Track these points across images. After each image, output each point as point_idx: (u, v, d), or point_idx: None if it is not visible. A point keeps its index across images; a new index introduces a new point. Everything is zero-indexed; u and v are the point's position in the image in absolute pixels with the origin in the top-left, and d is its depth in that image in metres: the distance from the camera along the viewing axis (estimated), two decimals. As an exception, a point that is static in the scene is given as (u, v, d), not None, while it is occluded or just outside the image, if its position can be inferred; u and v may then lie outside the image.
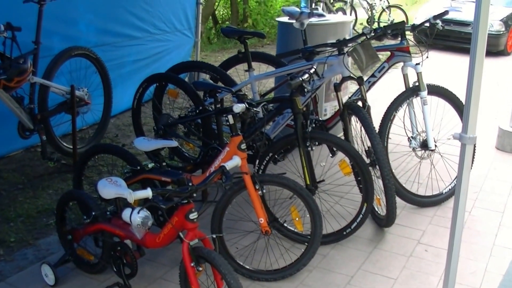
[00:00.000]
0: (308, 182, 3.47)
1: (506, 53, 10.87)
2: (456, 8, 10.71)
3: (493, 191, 4.51)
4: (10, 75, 4.09)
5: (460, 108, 4.01)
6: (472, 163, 4.11)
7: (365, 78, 3.95)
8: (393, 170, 4.08)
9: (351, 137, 3.85)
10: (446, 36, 10.29)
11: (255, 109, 3.17)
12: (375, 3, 13.14)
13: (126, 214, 2.68)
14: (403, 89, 4.12)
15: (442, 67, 9.06)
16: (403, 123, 4.14)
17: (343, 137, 3.82)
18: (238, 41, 4.52)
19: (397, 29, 4.13)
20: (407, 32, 4.18)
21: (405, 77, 4.16)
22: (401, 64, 4.14)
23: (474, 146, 3.07)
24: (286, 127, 4.12)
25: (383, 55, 4.33)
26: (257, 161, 3.66)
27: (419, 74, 4.00)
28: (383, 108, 4.07)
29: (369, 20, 13.02)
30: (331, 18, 5.51)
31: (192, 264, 2.50)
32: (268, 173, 3.68)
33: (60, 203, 3.25)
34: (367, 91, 4.13)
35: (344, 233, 3.64)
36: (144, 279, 3.20)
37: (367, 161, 3.73)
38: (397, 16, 12.64)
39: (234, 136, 3.17)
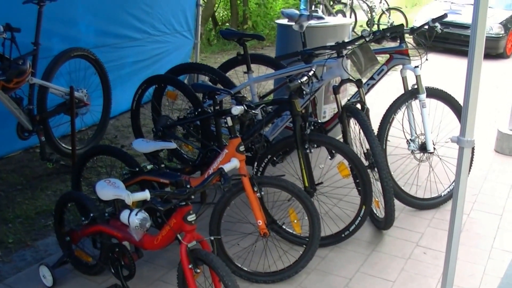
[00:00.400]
0: (307, 184, 3.48)
1: (505, 56, 10.88)
2: (456, 11, 10.76)
3: (492, 193, 4.51)
4: (9, 76, 4.09)
5: (459, 111, 4.01)
6: (471, 166, 4.13)
7: (364, 81, 3.95)
8: (392, 173, 4.08)
9: (349, 139, 3.85)
10: (446, 38, 10.30)
11: (253, 111, 3.18)
12: (374, 6, 13.15)
13: (124, 215, 2.68)
14: (402, 91, 4.12)
15: (441, 70, 9.06)
16: (402, 125, 4.14)
17: (342, 140, 3.82)
18: (237, 43, 4.53)
19: (396, 32, 4.13)
20: (406, 35, 4.19)
21: (404, 79, 4.16)
22: (400, 66, 4.15)
23: (473, 149, 3.08)
24: (285, 129, 4.13)
25: (382, 58, 4.33)
26: (256, 163, 3.67)
27: (418, 77, 4.00)
28: (382, 111, 4.07)
29: (368, 23, 13.03)
30: (331, 20, 5.51)
31: (190, 266, 2.50)
32: (266, 175, 3.68)
33: (59, 204, 3.25)
34: (366, 93, 4.13)
35: (343, 235, 3.64)
36: (142, 280, 3.20)
37: (366, 163, 3.73)
38: (396, 19, 12.66)
39: (232, 138, 3.17)
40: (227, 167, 2.82)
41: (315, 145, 3.61)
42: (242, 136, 3.31)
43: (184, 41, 7.14)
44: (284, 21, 5.07)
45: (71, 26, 5.26)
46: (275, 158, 3.79)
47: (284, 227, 3.59)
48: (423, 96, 4.01)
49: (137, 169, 3.39)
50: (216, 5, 12.81)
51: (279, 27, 5.38)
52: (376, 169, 3.63)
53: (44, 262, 3.18)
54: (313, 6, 10.86)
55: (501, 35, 10.65)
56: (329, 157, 3.80)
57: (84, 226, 3.05)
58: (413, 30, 4.26)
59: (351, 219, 3.64)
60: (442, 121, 4.50)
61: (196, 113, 4.11)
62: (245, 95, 3.37)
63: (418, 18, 11.26)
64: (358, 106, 3.84)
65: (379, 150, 3.58)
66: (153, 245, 2.81)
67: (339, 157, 3.63)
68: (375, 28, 12.66)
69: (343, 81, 3.92)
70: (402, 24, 4.33)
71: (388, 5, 13.46)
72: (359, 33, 4.03)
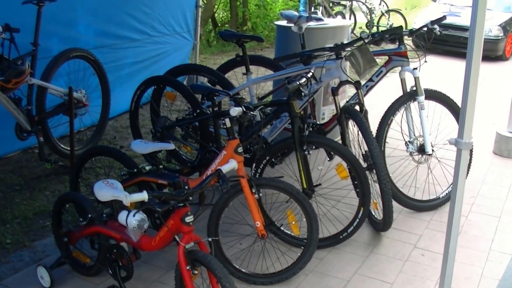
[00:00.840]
0: (305, 186, 3.48)
1: (504, 58, 10.89)
2: (455, 13, 10.77)
3: (490, 196, 4.51)
4: (8, 76, 4.09)
5: (457, 113, 4.01)
6: (469, 168, 4.14)
7: (362, 83, 3.95)
8: (390, 175, 4.09)
9: (348, 141, 3.85)
10: (445, 41, 10.30)
11: (252, 112, 3.18)
12: (374, 8, 13.16)
13: (122, 216, 2.68)
14: (401, 93, 4.12)
15: (440, 72, 9.07)
16: (401, 127, 4.15)
17: (340, 141, 3.83)
18: (237, 44, 4.53)
19: (395, 33, 4.14)
20: (405, 37, 4.20)
21: (403, 81, 4.16)
22: (399, 68, 4.15)
23: (471, 151, 3.08)
24: (283, 131, 4.13)
25: (381, 60, 4.34)
26: (254, 164, 3.67)
27: (416, 79, 4.01)
28: (381, 112, 4.08)
29: (368, 25, 13.04)
30: (330, 22, 5.51)
31: (187, 267, 2.50)
32: (265, 176, 3.69)
33: (57, 205, 3.24)
34: (365, 95, 4.13)
35: (341, 237, 3.64)
36: (140, 282, 3.19)
37: (364, 165, 3.73)
38: (396, 21, 12.67)
39: (231, 139, 3.17)
40: (225, 169, 2.82)
41: (314, 147, 3.61)
42: (240, 137, 3.31)
43: (183, 42, 7.14)
44: (283, 22, 5.08)
45: (70, 27, 5.26)
46: (273, 160, 3.79)
47: (282, 228, 3.59)
48: (421, 98, 4.01)
49: (135, 170, 3.39)
50: (216, 6, 12.82)
51: (278, 29, 5.39)
52: (374, 171, 3.64)
53: (42, 263, 3.18)
54: (312, 8, 10.87)
55: (500, 37, 10.65)
56: (328, 159, 3.80)
57: (82, 227, 3.05)
58: (412, 32, 4.27)
59: (349, 221, 3.64)
60: (441, 123, 4.51)
61: (195, 114, 4.11)
62: (243, 97, 3.37)
63: (417, 20, 11.27)
64: (357, 107, 3.85)
65: (377, 152, 3.58)
66: (151, 246, 2.81)
67: (337, 159, 3.63)
68: (374, 30, 12.68)
69: (341, 83, 3.92)
70: (401, 26, 4.34)
71: (388, 7, 13.48)
72: (358, 35, 4.04)
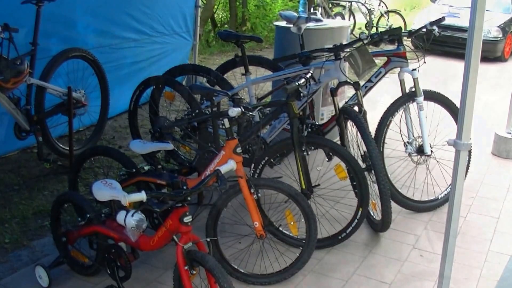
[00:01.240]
0: (304, 187, 3.48)
1: (503, 59, 10.90)
2: (454, 14, 10.78)
3: (489, 196, 4.51)
4: (6, 76, 4.09)
5: (456, 114, 4.01)
6: (468, 168, 4.14)
7: (361, 83, 3.95)
8: (389, 175, 4.09)
9: (347, 141, 3.85)
10: (444, 42, 10.31)
11: (251, 113, 3.18)
12: (373, 8, 13.17)
13: (120, 216, 2.68)
14: (400, 94, 4.12)
15: (439, 73, 9.07)
16: (399, 128, 4.15)
17: (339, 142, 3.83)
18: (236, 45, 4.53)
19: (394, 34, 4.14)
20: (404, 38, 4.20)
21: (402, 82, 4.16)
22: (398, 69, 4.15)
23: (469, 152, 3.08)
24: (282, 131, 4.13)
25: (379, 60, 4.34)
26: (253, 164, 3.67)
27: (415, 80, 4.01)
28: (380, 113, 4.08)
29: (367, 25, 13.05)
30: (329, 23, 5.51)
31: (186, 267, 2.50)
32: (263, 177, 3.68)
33: (55, 205, 3.24)
34: (364, 96, 4.13)
35: (339, 237, 3.64)
36: (138, 281, 3.19)
37: (363, 166, 3.73)
38: (395, 21, 12.68)
39: (229, 139, 3.17)
40: (223, 169, 2.82)
41: (313, 147, 3.62)
42: (239, 137, 3.31)
43: (182, 42, 7.14)
44: (283, 23, 5.08)
45: (69, 27, 5.25)
46: (272, 160, 3.79)
47: (280, 229, 3.59)
48: (420, 99, 4.01)
49: (134, 170, 3.39)
50: (215, 6, 12.82)
51: (277, 29, 5.39)
52: (373, 172, 3.64)
53: (40, 263, 3.18)
54: (311, 9, 10.87)
55: (499, 39, 10.67)
56: (326, 159, 3.80)
57: (80, 226, 3.05)
58: (411, 33, 4.27)
59: (348, 221, 3.64)
60: (440, 124, 4.51)
61: (194, 114, 4.11)
62: (242, 97, 3.37)
63: (416, 21, 11.28)
64: (356, 108, 3.85)
65: (376, 153, 3.59)
66: (149, 246, 2.81)
67: (336, 159, 3.63)
68: (373, 30, 12.69)
69: (340, 84, 3.92)
70: (400, 27, 4.34)
71: (387, 8, 13.49)
72: (358, 36, 4.04)
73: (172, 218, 2.59)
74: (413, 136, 4.10)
